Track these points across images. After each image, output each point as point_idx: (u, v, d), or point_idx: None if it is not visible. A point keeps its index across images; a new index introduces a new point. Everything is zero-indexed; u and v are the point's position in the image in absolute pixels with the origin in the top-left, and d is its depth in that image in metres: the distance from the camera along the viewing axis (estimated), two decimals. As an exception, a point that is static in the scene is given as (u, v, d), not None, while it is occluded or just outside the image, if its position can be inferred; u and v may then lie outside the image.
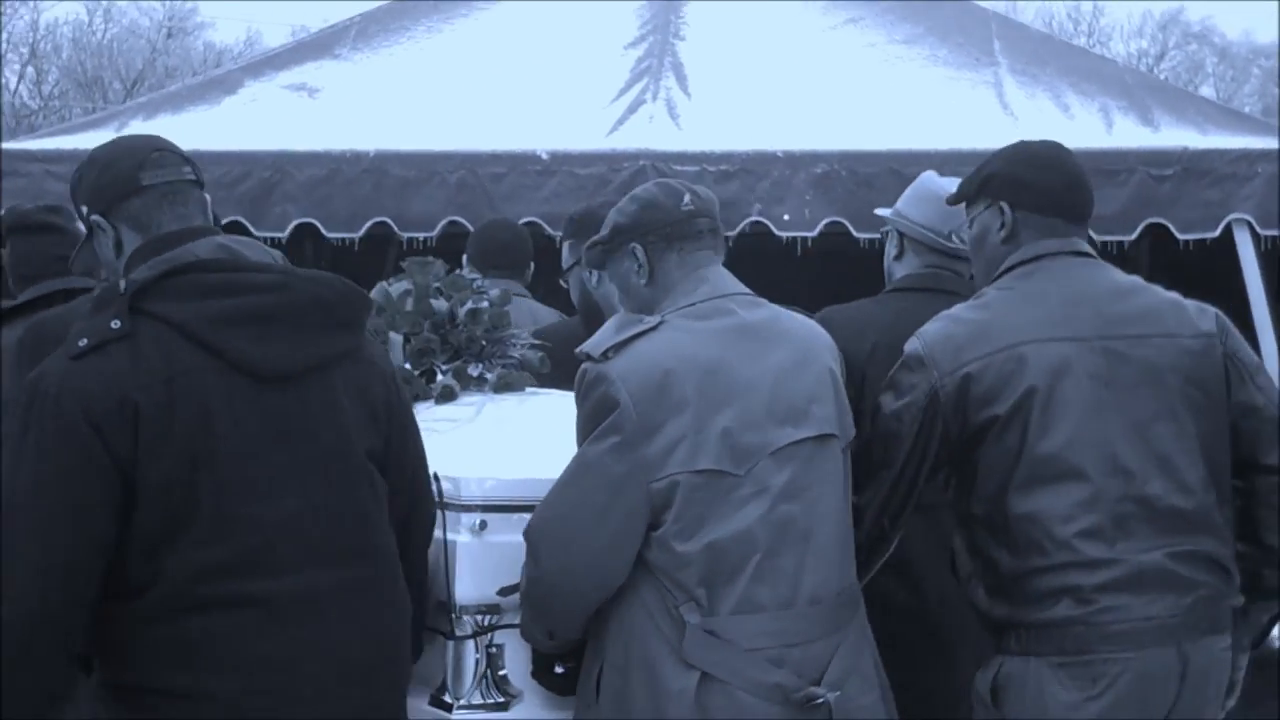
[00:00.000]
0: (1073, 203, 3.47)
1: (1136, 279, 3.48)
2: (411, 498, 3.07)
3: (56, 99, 36.60)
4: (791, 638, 3.12)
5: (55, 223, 4.60)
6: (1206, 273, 7.16)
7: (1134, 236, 6.51)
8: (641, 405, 3.09)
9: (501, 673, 3.65)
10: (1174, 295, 3.46)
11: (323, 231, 6.60)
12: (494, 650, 3.63)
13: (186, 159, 2.98)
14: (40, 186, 6.65)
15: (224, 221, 6.32)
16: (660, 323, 3.21)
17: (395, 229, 6.54)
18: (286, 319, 2.80)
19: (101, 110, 21.72)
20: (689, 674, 3.08)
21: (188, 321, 2.73)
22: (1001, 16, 7.85)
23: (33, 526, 2.64)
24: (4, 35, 36.34)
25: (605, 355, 3.16)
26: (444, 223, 6.45)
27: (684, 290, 3.27)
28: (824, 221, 6.44)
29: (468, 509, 3.49)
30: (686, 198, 3.32)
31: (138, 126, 6.95)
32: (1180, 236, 6.43)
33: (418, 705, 3.59)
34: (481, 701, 3.60)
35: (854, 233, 6.44)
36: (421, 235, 6.49)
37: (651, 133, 6.74)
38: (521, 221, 6.57)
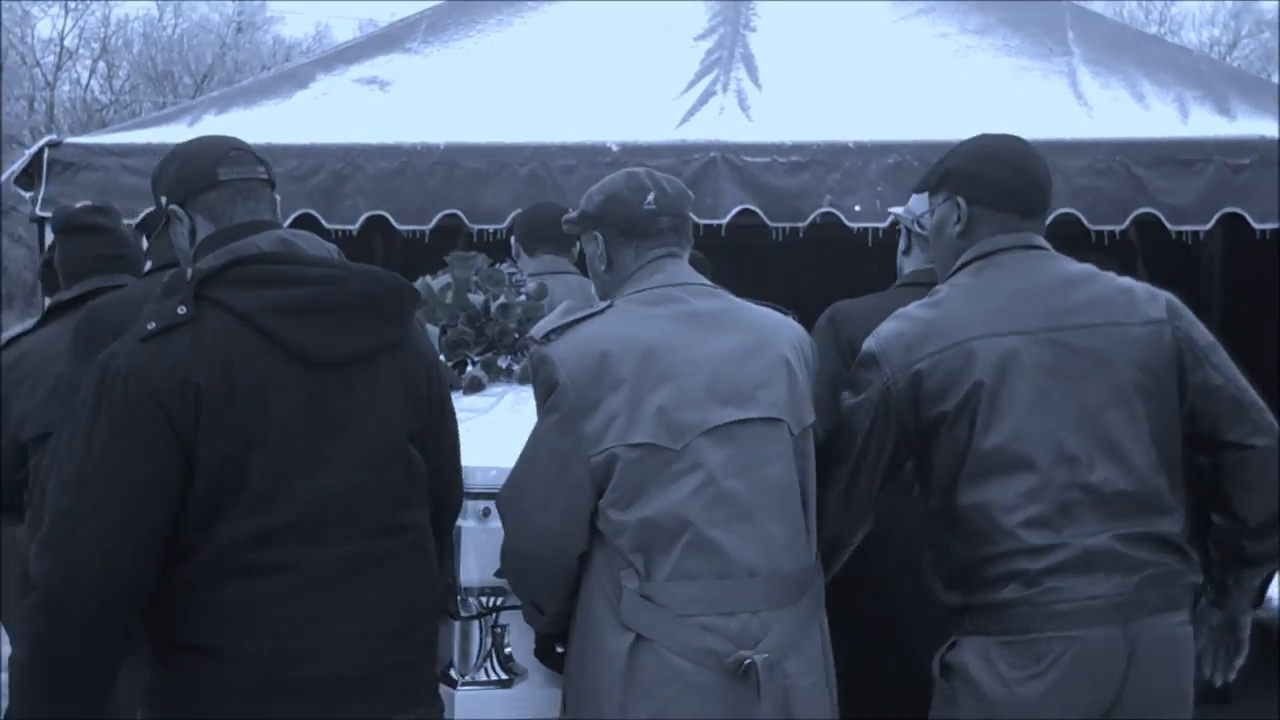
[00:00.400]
0: (1028, 198, 3.54)
1: (1089, 269, 3.54)
2: (446, 479, 3.29)
3: (127, 94, 36.90)
4: (725, 607, 3.25)
5: (101, 223, 4.80)
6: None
7: (1209, 226, 6.43)
8: (579, 384, 3.27)
9: (506, 651, 3.88)
10: (1126, 282, 3.53)
11: (393, 224, 6.62)
12: (499, 630, 3.87)
13: (260, 159, 3.15)
14: (115, 180, 6.70)
15: (295, 214, 6.41)
16: (609, 307, 3.41)
17: (465, 221, 6.55)
18: (337, 310, 3.01)
19: (172, 105, 21.88)
20: (625, 636, 3.25)
21: (247, 309, 2.93)
22: (1075, 6, 7.77)
23: (104, 497, 2.83)
24: (76, 31, 36.66)
25: (548, 338, 3.35)
26: (514, 215, 6.45)
27: (638, 279, 3.45)
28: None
29: (474, 496, 3.67)
30: (650, 196, 3.46)
31: (210, 120, 7.00)
32: (1256, 226, 6.35)
33: None
34: (486, 679, 3.83)
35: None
36: (491, 227, 6.50)
37: (722, 124, 6.71)
38: (592, 214, 6.58)
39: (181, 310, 2.93)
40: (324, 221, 6.53)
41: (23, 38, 35.27)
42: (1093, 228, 6.38)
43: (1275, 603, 10.39)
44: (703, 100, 6.89)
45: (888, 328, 3.51)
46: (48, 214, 6.51)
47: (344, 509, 2.98)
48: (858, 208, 6.42)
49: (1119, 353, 3.39)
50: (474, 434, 3.79)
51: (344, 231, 6.59)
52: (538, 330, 3.40)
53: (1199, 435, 3.48)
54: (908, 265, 4.23)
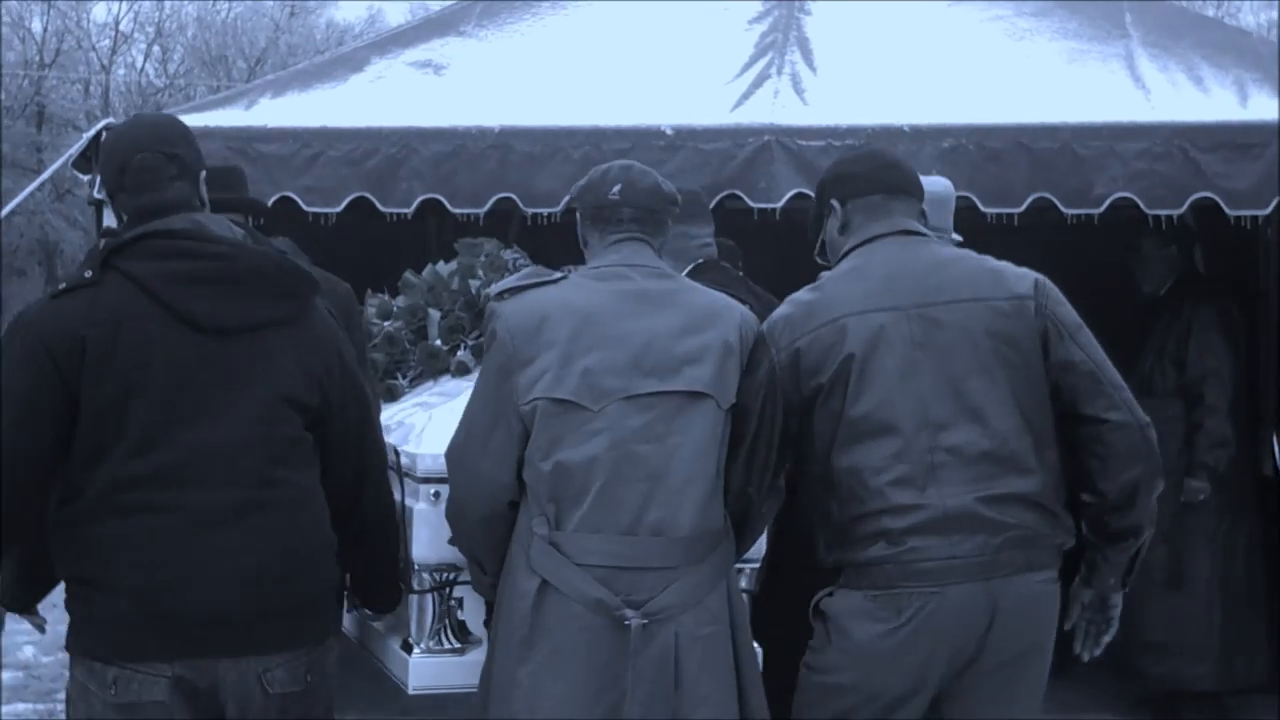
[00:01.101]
0: (886, 177, 3.89)
1: (962, 252, 3.90)
2: (359, 456, 3.64)
3: (181, 77, 37.08)
4: (624, 561, 3.56)
5: None
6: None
7: (1268, 211, 6.38)
8: (517, 341, 3.64)
9: (460, 621, 4.27)
10: (997, 263, 3.83)
11: (448, 207, 6.63)
12: (454, 603, 4.26)
13: (171, 153, 3.54)
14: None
15: (350, 197, 6.43)
16: (563, 277, 3.79)
17: (520, 205, 6.56)
18: (228, 283, 3.41)
19: (225, 88, 21.95)
20: (533, 579, 3.58)
21: (145, 276, 3.37)
22: (1132, -13, 7.70)
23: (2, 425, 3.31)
24: (131, 15, 36.84)
25: (501, 296, 3.77)
26: (568, 198, 6.46)
27: (598, 257, 3.81)
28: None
29: (425, 480, 4.07)
30: (617, 188, 3.79)
31: (266, 104, 7.02)
32: (1317, 211, 6.30)
33: (391, 648, 4.27)
34: (439, 646, 4.22)
35: (981, 207, 6.38)
36: (545, 211, 6.51)
37: (776, 108, 6.69)
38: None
39: (88, 274, 3.40)
40: (379, 205, 6.55)
41: (78, 21, 35.49)
42: (1150, 212, 6.34)
43: None
44: (757, 84, 6.87)
45: (778, 312, 3.87)
46: (105, 197, 6.55)
47: (220, 460, 3.35)
48: (913, 191, 6.39)
49: (982, 326, 3.67)
50: (434, 420, 4.21)
51: (399, 215, 6.60)
52: (494, 289, 3.83)
53: (1061, 409, 3.73)
54: None
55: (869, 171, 3.92)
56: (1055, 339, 3.73)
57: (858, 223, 3.87)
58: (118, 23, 36.56)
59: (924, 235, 3.87)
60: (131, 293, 3.36)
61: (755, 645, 3.91)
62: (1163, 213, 6.35)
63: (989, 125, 6.46)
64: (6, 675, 7.78)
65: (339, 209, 6.60)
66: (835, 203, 3.93)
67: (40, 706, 7.33)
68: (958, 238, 4.79)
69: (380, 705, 4.60)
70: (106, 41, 36.52)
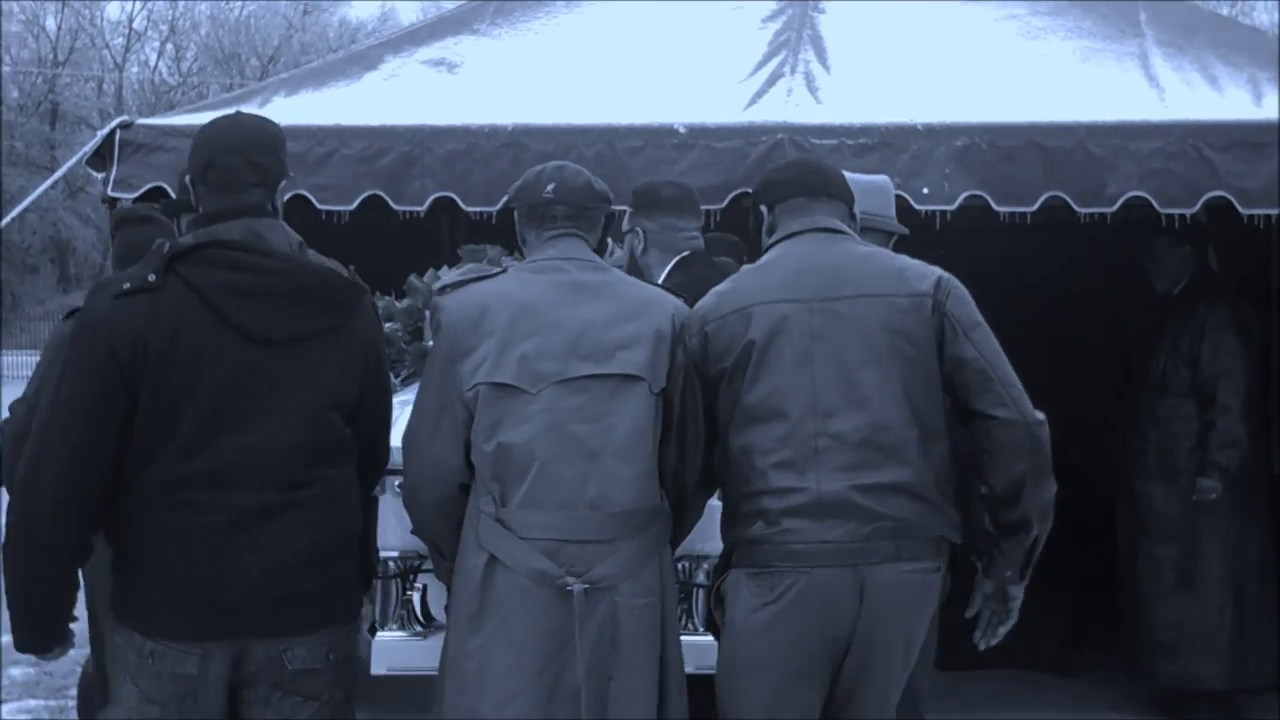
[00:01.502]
0: (809, 181, 4.09)
1: (874, 250, 4.08)
2: (373, 443, 3.88)
3: (195, 75, 37.14)
4: (565, 534, 3.77)
5: (157, 216, 5.47)
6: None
7: (1280, 211, 6.38)
8: (460, 331, 3.88)
9: (423, 606, 4.47)
10: (905, 262, 4.01)
11: (461, 205, 6.64)
12: (418, 589, 4.48)
13: (253, 157, 3.74)
14: (185, 162, 6.73)
15: (363, 195, 6.45)
16: (502, 271, 4.09)
17: (533, 203, 6.56)
18: (279, 297, 3.63)
19: (239, 86, 21.97)
20: (481, 554, 3.81)
21: (202, 285, 3.58)
22: (1147, -14, 7.70)
23: (64, 424, 3.56)
24: (145, 13, 36.90)
25: (443, 291, 4.05)
26: (505, 198, 6.45)
27: (536, 252, 4.06)
28: (964, 195, 6.38)
29: (390, 472, 4.17)
30: (550, 186, 4.04)
31: (280, 102, 7.04)
32: (1330, 210, 6.29)
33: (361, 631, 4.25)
34: (403, 629, 4.43)
35: (994, 206, 6.38)
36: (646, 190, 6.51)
37: (790, 106, 6.70)
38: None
39: (151, 278, 3.58)
40: (392, 203, 6.56)
41: (92, 19, 35.56)
42: (1163, 211, 6.34)
43: None
44: (770, 82, 6.88)
45: (699, 302, 4.07)
46: (120, 194, 6.58)
47: (262, 462, 3.60)
48: (925, 190, 6.39)
49: (880, 320, 3.84)
50: (404, 415, 4.24)
51: (411, 213, 6.62)
52: (439, 284, 4.09)
53: (956, 405, 3.89)
54: None
55: (792, 177, 4.15)
56: (950, 336, 3.86)
57: (782, 224, 4.09)
58: (131, 21, 36.64)
59: (842, 233, 4.04)
60: (190, 300, 3.58)
61: (711, 638, 4.11)
62: (1176, 212, 6.34)
63: (1002, 124, 6.45)
64: (18, 671, 7.80)
65: (352, 207, 6.61)
66: (764, 208, 4.16)
67: (52, 703, 7.35)
68: (903, 229, 4.90)
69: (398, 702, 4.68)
70: (120, 39, 36.60)
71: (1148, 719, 7.29)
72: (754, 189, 4.28)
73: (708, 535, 4.21)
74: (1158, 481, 7.26)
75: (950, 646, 8.40)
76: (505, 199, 3.98)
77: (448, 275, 4.24)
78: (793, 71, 6.93)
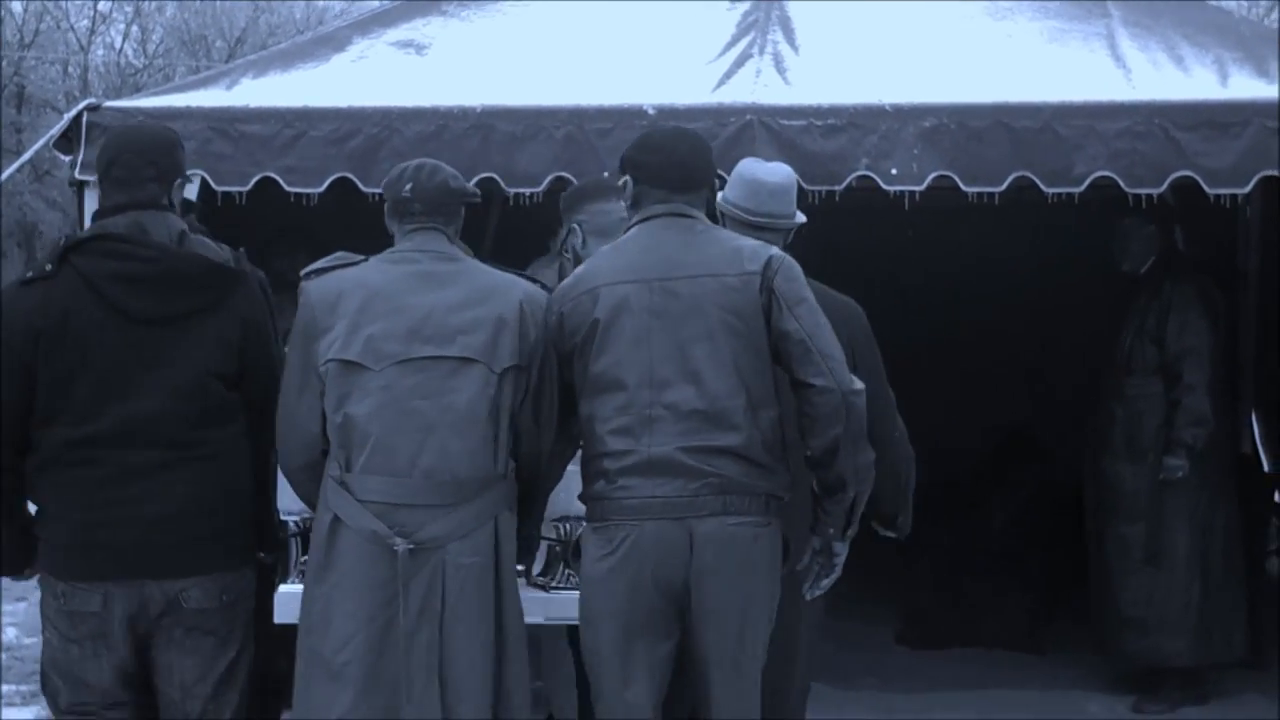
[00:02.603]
0: (674, 176, 4.42)
1: (717, 234, 4.44)
2: (260, 407, 4.43)
3: (161, 57, 36.93)
4: (397, 499, 4.24)
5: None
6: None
7: (1247, 190, 6.39)
8: (317, 313, 4.36)
9: None
10: (744, 243, 4.37)
11: (430, 187, 6.62)
12: None
13: (152, 158, 4.40)
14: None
15: (332, 178, 6.43)
16: (363, 260, 4.50)
17: (502, 184, 6.55)
18: (154, 281, 4.28)
19: (205, 69, 21.87)
20: (328, 514, 4.31)
21: (90, 273, 4.26)
22: (1113, -33, 7.71)
23: None
24: (110, -5, 36.68)
25: (308, 277, 4.47)
26: (550, 178, 6.45)
27: (397, 244, 4.51)
28: (932, 175, 6.39)
29: None
30: (408, 186, 4.48)
31: (248, 84, 7.01)
32: (1296, 189, 6.32)
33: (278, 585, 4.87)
34: (300, 584, 4.68)
35: (962, 186, 6.39)
36: (528, 191, 6.50)
37: (758, 87, 6.69)
38: (628, 177, 6.57)
39: (48, 268, 4.30)
40: (361, 185, 6.53)
41: (57, 2, 35.32)
42: (1130, 191, 6.36)
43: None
44: (739, 63, 6.87)
45: (560, 284, 4.53)
46: (87, 177, 6.54)
47: (148, 425, 4.26)
48: (894, 171, 6.40)
49: (712, 298, 4.23)
50: None
51: (381, 195, 6.58)
52: (305, 270, 4.50)
53: (785, 374, 4.28)
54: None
55: (659, 162, 4.46)
56: (776, 311, 4.24)
57: (645, 204, 4.46)
58: (96, 2, 36.39)
59: (692, 218, 4.42)
60: (80, 286, 4.27)
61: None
62: (1143, 191, 6.36)
63: (970, 104, 6.47)
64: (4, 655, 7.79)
65: (321, 189, 6.59)
66: (629, 180, 4.52)
67: (24, 688, 7.33)
68: (802, 218, 5.03)
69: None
70: (85, 21, 36.36)
71: (1116, 696, 7.35)
72: (624, 154, 4.59)
73: None
74: (1125, 460, 7.30)
75: (918, 627, 8.47)
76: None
77: (314, 264, 4.58)
78: (761, 52, 6.93)
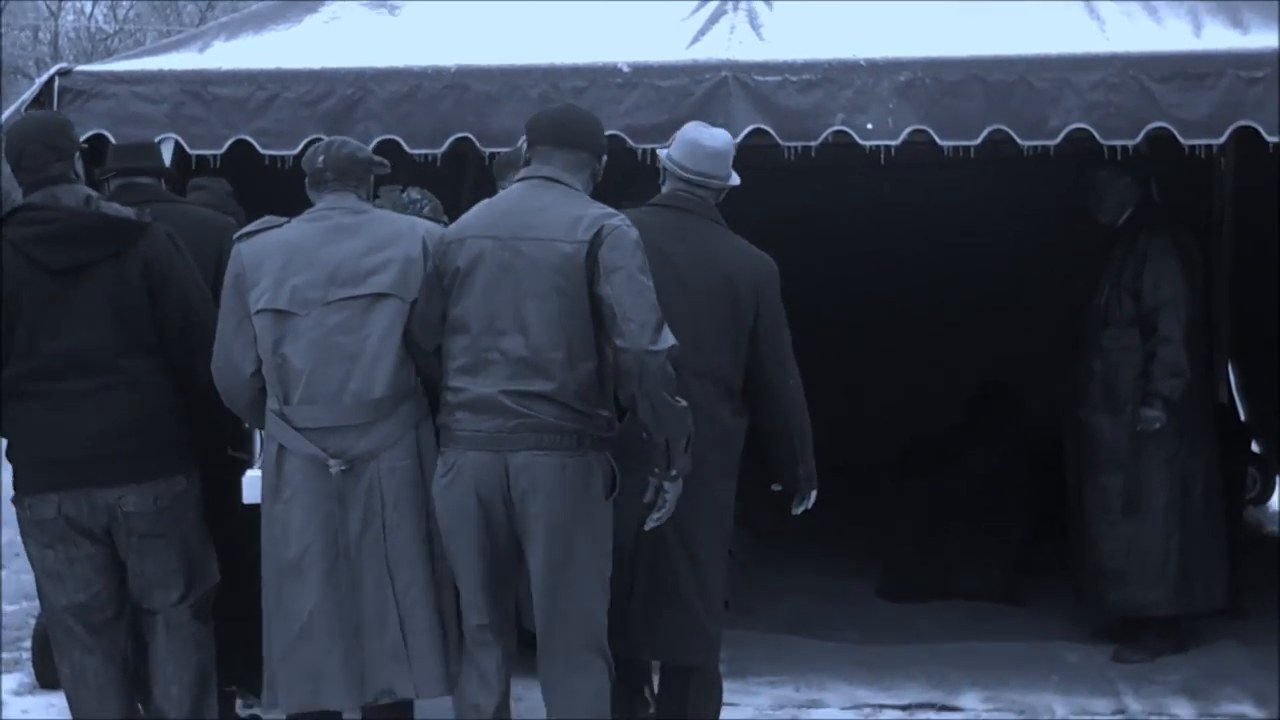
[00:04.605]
0: (554, 134, 5.01)
1: (571, 199, 4.92)
2: (184, 342, 5.24)
3: (132, 22, 36.70)
4: (329, 423, 4.99)
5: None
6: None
7: (1222, 140, 6.40)
8: (249, 269, 5.06)
9: None
10: (585, 212, 4.86)
11: (405, 148, 6.61)
12: None
13: (56, 144, 5.25)
14: (126, 108, 6.69)
15: (307, 139, 6.40)
16: (286, 222, 5.17)
17: (478, 144, 6.54)
18: (65, 238, 5.11)
19: (177, 33, 21.73)
20: (273, 444, 5.08)
21: (16, 239, 5.12)
22: (1088, -81, 7.68)
23: None
24: (79, -41, 36.41)
25: (241, 238, 5.15)
26: (525, 138, 6.43)
27: (315, 206, 5.21)
28: (908, 130, 6.38)
29: None
30: (321, 158, 5.20)
31: (220, 46, 7.00)
32: (1270, 139, 6.31)
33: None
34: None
35: (938, 140, 6.39)
36: (504, 150, 6.48)
37: (733, 43, 6.68)
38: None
39: None
40: (336, 147, 6.50)
41: (26, -33, 35.05)
42: (1105, 143, 6.36)
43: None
44: (713, 19, 6.85)
45: (444, 229, 5.19)
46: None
47: (73, 359, 5.10)
48: (870, 125, 6.40)
49: (548, 260, 4.80)
50: None
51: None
52: (237, 234, 5.20)
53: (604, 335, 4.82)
54: (666, 191, 5.38)
55: (546, 125, 5.05)
56: (597, 277, 4.77)
57: (532, 164, 5.02)
58: (66, -33, 36.11)
59: (558, 183, 4.94)
60: (10, 251, 5.10)
61: None
62: (1118, 143, 6.37)
63: (945, 58, 6.46)
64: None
65: (295, 151, 6.58)
66: (524, 140, 5.12)
67: (7, 656, 7.32)
68: (735, 180, 5.39)
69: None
70: (55, -13, 36.05)
71: (1095, 646, 7.38)
72: (528, 121, 5.14)
73: None
74: (1103, 412, 7.32)
75: (898, 581, 8.51)
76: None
77: (246, 226, 5.25)
78: (735, 8, 6.90)
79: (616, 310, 4.74)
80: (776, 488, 5.44)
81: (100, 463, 5.11)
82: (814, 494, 5.44)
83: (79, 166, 5.32)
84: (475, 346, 4.85)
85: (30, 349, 5.10)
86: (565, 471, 4.80)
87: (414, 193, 6.56)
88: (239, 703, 6.22)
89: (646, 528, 4.93)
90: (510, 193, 5.03)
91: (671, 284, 5.04)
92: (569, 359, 4.80)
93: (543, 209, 4.88)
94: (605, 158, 5.20)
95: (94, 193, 5.30)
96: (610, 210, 4.92)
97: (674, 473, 4.82)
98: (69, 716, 5.46)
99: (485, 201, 5.12)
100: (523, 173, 5.02)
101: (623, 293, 4.75)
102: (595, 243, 4.78)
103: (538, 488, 4.80)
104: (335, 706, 5.12)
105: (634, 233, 4.84)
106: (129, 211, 5.25)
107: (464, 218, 5.07)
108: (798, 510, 5.48)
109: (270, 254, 5.06)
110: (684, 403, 4.77)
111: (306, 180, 5.25)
